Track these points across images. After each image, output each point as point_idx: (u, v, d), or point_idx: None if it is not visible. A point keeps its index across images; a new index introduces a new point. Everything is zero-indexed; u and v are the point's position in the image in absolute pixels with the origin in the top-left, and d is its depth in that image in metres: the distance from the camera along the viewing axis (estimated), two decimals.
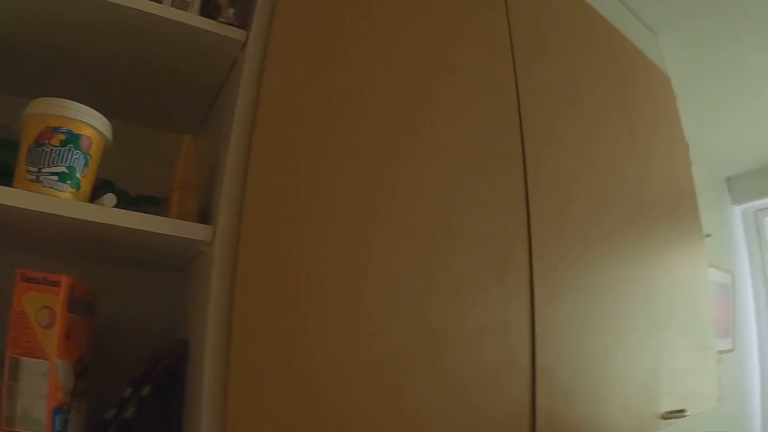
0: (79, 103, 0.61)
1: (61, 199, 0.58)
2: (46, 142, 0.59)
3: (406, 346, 0.69)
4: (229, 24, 0.71)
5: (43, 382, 0.55)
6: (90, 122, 0.61)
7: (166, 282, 0.88)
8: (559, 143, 1.04)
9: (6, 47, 0.75)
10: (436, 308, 0.73)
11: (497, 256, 0.83)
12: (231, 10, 0.72)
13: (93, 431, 0.68)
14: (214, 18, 0.71)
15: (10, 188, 0.57)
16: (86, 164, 0.61)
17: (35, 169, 0.58)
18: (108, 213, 0.58)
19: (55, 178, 0.58)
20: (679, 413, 1.13)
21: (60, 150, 0.59)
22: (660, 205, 1.35)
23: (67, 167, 0.59)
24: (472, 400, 0.74)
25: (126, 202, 0.72)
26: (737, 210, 3.41)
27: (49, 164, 0.58)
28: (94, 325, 0.68)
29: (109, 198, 0.58)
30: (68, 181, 0.59)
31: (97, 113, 0.62)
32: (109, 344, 0.77)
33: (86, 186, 0.61)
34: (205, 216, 0.66)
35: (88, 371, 0.65)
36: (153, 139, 0.90)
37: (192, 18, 0.69)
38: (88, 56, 0.76)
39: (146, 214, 0.59)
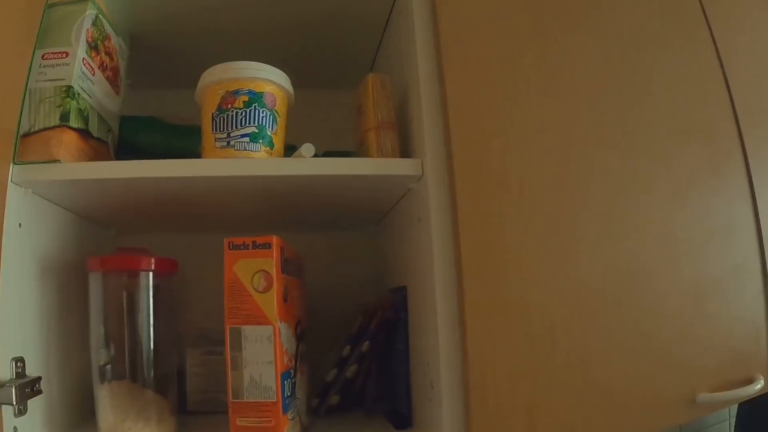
0: None
1: (258, 159, 0.56)
2: (230, 106, 0.57)
3: (628, 260, 0.61)
4: None
5: (268, 347, 0.54)
6: (270, 78, 0.58)
7: (362, 239, 0.89)
8: None
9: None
10: (657, 217, 0.64)
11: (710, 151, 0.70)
12: None
13: (317, 394, 0.68)
14: None
15: (202, 159, 0.56)
16: (275, 121, 0.58)
17: (224, 135, 0.57)
18: (309, 164, 0.55)
19: (246, 139, 0.56)
20: None
21: (245, 111, 0.57)
22: None
23: (256, 126, 0.57)
24: (706, 310, 0.65)
25: None
26: None
27: (237, 127, 0.57)
28: (305, 288, 0.68)
29: (308, 148, 0.55)
30: (260, 141, 0.57)
31: (275, 68, 0.59)
32: (317, 306, 0.76)
33: (279, 143, 0.59)
34: (404, 153, 0.64)
35: (305, 334, 0.65)
36: (321, 99, 0.87)
37: None
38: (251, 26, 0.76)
39: (349, 158, 0.56)
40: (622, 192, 0.62)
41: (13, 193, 0.54)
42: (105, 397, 0.59)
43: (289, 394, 0.55)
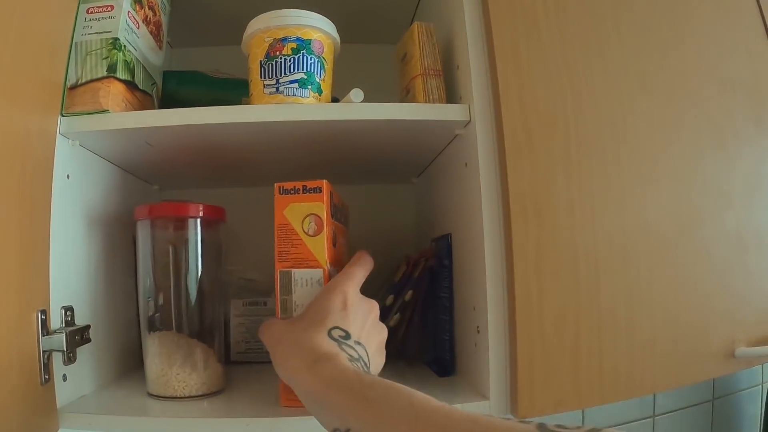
0: None
1: (308, 104, 0.56)
2: (278, 53, 0.57)
3: (672, 208, 0.61)
4: None
5: (318, 291, 0.54)
6: (317, 26, 0.58)
7: (403, 192, 0.91)
8: None
9: None
10: (700, 166, 0.64)
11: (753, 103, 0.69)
12: None
13: None
14: None
15: (252, 105, 0.57)
16: (322, 68, 0.58)
17: (273, 82, 0.57)
18: (359, 108, 0.56)
19: (295, 85, 0.57)
20: None
21: (294, 58, 0.57)
22: None
23: (305, 73, 0.57)
24: (747, 263, 0.65)
25: None
26: None
27: (285, 74, 0.57)
28: (349, 237, 0.68)
29: (356, 93, 0.56)
30: (309, 86, 0.57)
31: (322, 16, 0.59)
32: None
33: (327, 90, 0.59)
34: (449, 100, 0.64)
35: None
36: (361, 53, 0.85)
37: None
38: None
39: (398, 103, 0.56)
40: (667, 139, 0.62)
41: (61, 145, 0.56)
42: (152, 346, 0.60)
43: None
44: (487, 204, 0.57)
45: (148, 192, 0.86)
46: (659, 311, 0.59)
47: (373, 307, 0.53)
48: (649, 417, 1.10)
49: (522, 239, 0.55)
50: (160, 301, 0.61)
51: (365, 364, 0.48)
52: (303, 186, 0.55)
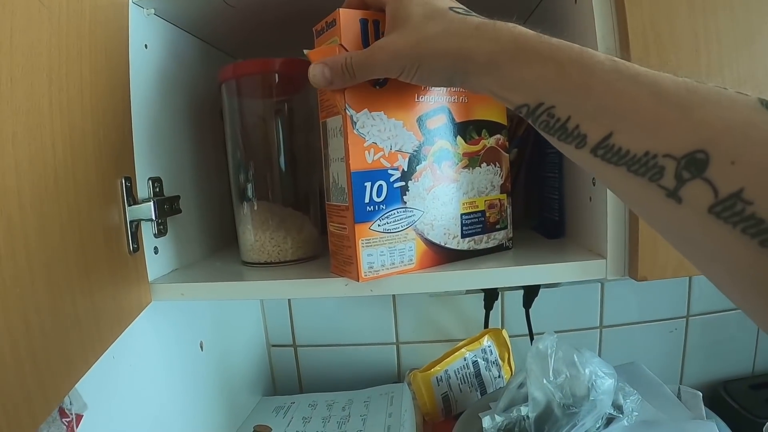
0: None
1: None
2: None
3: None
4: None
5: (339, 142, 0.46)
6: None
7: None
8: None
9: None
10: None
11: None
12: None
13: None
14: None
15: None
16: None
17: None
18: None
19: None
20: None
21: None
22: None
23: None
24: None
25: None
26: None
27: None
28: None
29: None
30: None
31: None
32: None
33: None
34: None
35: None
36: None
37: None
38: None
39: None
40: None
41: (135, 14, 0.54)
42: (245, 215, 0.60)
43: (377, 199, 0.47)
44: (602, 44, 0.48)
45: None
46: None
47: None
48: None
49: None
50: (252, 169, 0.60)
51: None
52: (324, 23, 0.45)
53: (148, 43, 0.57)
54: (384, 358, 0.94)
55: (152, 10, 0.57)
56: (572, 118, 0.30)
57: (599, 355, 0.87)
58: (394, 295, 0.92)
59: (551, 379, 0.54)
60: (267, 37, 0.70)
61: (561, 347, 0.56)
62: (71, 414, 0.45)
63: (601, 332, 0.90)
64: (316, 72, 0.42)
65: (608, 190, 0.48)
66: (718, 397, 0.84)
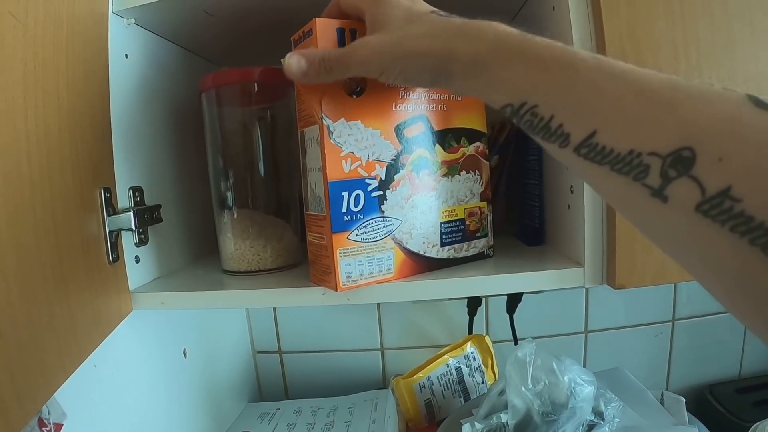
0: None
1: None
2: None
3: None
4: None
5: (316, 151, 0.45)
6: None
7: None
8: None
9: None
10: None
11: None
12: None
13: None
14: None
15: None
16: None
17: None
18: None
19: None
20: None
21: None
22: None
23: None
24: None
25: None
26: None
27: None
28: None
29: None
30: None
31: None
32: None
33: None
34: None
35: None
36: None
37: None
38: None
39: None
40: None
41: (115, 24, 0.54)
42: (226, 224, 0.60)
43: (354, 208, 0.47)
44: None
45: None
46: None
47: None
48: None
49: None
50: (231, 177, 0.60)
51: None
52: (302, 32, 0.45)
53: (128, 53, 0.57)
54: (369, 364, 0.95)
55: (133, 20, 0.57)
56: (555, 116, 0.29)
57: (584, 360, 0.88)
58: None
59: (530, 386, 0.54)
60: (249, 45, 0.70)
61: (540, 355, 0.56)
62: (50, 423, 0.45)
63: (586, 337, 0.91)
64: (292, 62, 0.41)
65: (585, 199, 0.48)
66: (705, 401, 0.84)
